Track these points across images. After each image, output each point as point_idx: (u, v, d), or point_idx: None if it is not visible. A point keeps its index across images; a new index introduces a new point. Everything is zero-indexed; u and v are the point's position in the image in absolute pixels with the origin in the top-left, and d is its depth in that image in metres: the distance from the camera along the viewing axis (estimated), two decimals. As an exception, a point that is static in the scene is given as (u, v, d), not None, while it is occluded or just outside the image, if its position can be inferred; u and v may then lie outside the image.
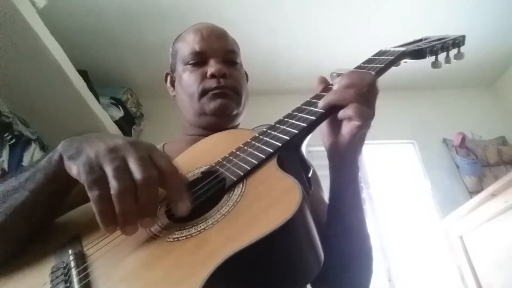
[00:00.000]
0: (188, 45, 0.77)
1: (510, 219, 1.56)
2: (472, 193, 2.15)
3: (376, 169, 2.32)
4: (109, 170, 0.39)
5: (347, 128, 0.51)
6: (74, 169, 0.41)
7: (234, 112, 0.76)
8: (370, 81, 0.51)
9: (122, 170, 0.39)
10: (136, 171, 0.39)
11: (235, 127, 0.81)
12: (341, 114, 0.50)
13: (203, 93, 0.73)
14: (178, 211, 0.41)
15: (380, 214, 2.16)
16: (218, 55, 0.75)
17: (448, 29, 2.31)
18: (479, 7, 2.11)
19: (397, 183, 2.34)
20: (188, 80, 0.75)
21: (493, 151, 2.35)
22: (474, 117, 2.56)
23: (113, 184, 0.38)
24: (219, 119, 0.74)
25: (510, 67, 2.58)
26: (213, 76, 0.73)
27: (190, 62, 0.76)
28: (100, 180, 0.38)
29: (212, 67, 0.73)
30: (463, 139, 2.34)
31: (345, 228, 0.59)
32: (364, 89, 0.50)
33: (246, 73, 0.90)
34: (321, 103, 0.52)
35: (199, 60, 0.75)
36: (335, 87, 0.53)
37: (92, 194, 0.38)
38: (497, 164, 2.32)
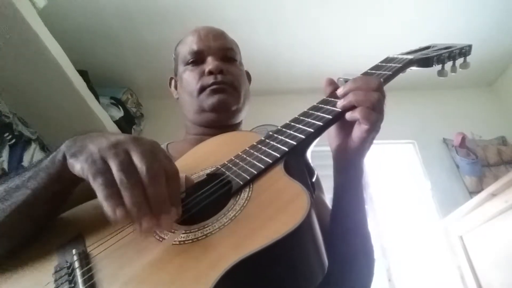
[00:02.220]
0: (187, 46, 0.79)
1: (510, 219, 1.56)
2: (472, 193, 2.15)
3: (376, 169, 2.32)
4: (113, 164, 0.38)
5: (357, 133, 0.51)
6: (77, 165, 0.41)
7: (233, 108, 0.76)
8: (377, 86, 0.51)
9: (127, 163, 0.38)
10: (140, 164, 0.38)
11: (237, 124, 0.81)
12: (348, 115, 0.51)
13: (202, 89, 0.75)
14: (168, 217, 0.38)
15: (380, 214, 2.16)
16: (216, 53, 0.77)
17: (448, 29, 2.33)
18: (479, 8, 2.11)
19: (397, 183, 2.34)
20: (188, 78, 0.77)
21: (493, 151, 2.35)
22: (474, 117, 2.56)
23: (120, 177, 0.37)
24: (219, 115, 0.75)
25: (510, 67, 2.58)
26: (210, 73, 0.74)
27: (189, 61, 0.78)
28: (103, 170, 0.38)
29: (209, 64, 0.74)
30: (463, 139, 2.34)
31: (347, 230, 0.59)
32: (370, 93, 0.50)
33: (248, 73, 0.90)
34: (339, 102, 0.53)
35: (197, 59, 0.77)
36: (340, 90, 0.54)
37: (96, 183, 0.37)
38: (497, 164, 2.32)
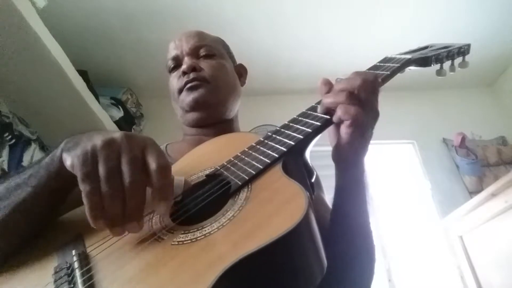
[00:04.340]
0: (168, 55, 0.82)
1: (510, 219, 1.56)
2: (472, 193, 2.16)
3: (376, 169, 2.32)
4: (102, 169, 0.39)
5: (343, 129, 0.51)
6: (69, 160, 0.42)
7: (212, 102, 0.75)
8: (360, 83, 0.50)
9: (115, 171, 0.39)
10: (126, 174, 0.39)
11: (229, 120, 0.81)
12: (334, 117, 0.51)
13: (179, 91, 0.76)
14: (158, 210, 0.42)
15: (380, 214, 2.16)
16: (190, 53, 0.78)
17: (448, 29, 2.32)
18: (479, 8, 2.11)
19: (397, 183, 2.34)
20: (170, 84, 0.80)
21: (493, 151, 2.35)
22: (474, 117, 2.56)
23: (104, 186, 0.38)
24: (200, 113, 0.75)
25: (510, 67, 2.59)
26: (184, 73, 0.75)
27: (171, 68, 0.80)
28: (92, 174, 0.39)
29: (183, 65, 0.76)
30: (463, 139, 2.34)
31: (347, 230, 0.59)
32: (355, 90, 0.50)
33: (242, 66, 0.91)
34: (319, 108, 0.54)
35: (176, 64, 0.79)
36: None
37: (83, 188, 0.39)
38: (497, 164, 2.32)
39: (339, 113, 0.49)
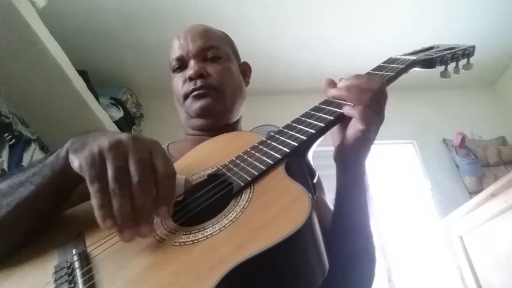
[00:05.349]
0: (171, 52, 0.79)
1: (510, 219, 1.56)
2: (472, 193, 2.15)
3: (376, 169, 2.32)
4: (110, 169, 0.39)
5: (351, 131, 0.51)
6: (76, 162, 0.42)
7: (219, 110, 0.75)
8: (379, 86, 0.51)
9: (123, 171, 0.39)
10: (134, 174, 0.39)
11: (233, 124, 0.80)
12: (346, 110, 0.51)
13: (185, 97, 0.74)
14: (158, 213, 0.41)
15: (380, 214, 2.16)
16: (196, 55, 0.75)
17: (448, 29, 2.32)
18: (479, 8, 2.11)
19: (397, 183, 2.34)
20: (175, 86, 0.78)
21: (493, 151, 2.35)
22: (474, 117, 2.56)
23: (113, 184, 0.38)
24: (206, 120, 0.74)
25: (510, 67, 2.58)
26: (191, 79, 0.73)
27: (174, 68, 0.78)
28: (101, 175, 0.39)
29: (189, 70, 0.73)
30: (463, 139, 2.34)
31: (347, 230, 0.59)
32: (372, 93, 0.50)
33: (246, 64, 0.89)
34: (330, 92, 0.54)
35: (181, 64, 0.77)
36: (341, 84, 0.54)
37: (92, 188, 0.39)
38: (497, 164, 2.32)
39: (356, 114, 0.49)
